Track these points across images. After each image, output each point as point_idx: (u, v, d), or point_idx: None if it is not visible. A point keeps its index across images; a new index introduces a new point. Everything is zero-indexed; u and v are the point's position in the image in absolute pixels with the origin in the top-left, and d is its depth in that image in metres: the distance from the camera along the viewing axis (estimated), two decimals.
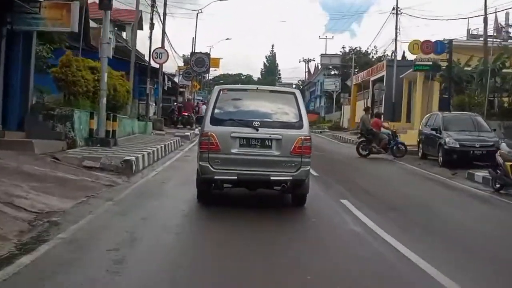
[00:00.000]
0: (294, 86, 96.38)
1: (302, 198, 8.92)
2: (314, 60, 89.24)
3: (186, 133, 26.22)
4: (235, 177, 8.23)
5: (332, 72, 64.13)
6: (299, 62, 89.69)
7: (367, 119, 20.79)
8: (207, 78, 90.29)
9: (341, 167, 17.43)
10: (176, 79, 43.72)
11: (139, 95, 27.59)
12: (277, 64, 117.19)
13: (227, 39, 71.89)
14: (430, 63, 26.23)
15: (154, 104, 28.50)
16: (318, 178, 12.47)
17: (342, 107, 51.40)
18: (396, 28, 35.13)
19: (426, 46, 26.12)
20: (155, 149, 15.63)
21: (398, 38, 35.65)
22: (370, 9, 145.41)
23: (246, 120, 8.33)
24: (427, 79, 27.59)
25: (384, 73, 36.84)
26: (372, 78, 40.15)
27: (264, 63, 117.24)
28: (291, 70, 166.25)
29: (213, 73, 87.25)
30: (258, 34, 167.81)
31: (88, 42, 24.92)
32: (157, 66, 27.70)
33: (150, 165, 14.10)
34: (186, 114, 33.58)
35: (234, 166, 8.21)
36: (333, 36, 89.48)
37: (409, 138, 22.35)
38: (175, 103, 33.59)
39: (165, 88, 29.82)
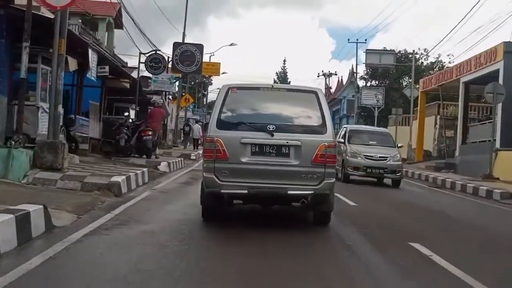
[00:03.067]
0: None
1: (325, 216, 7.76)
2: (335, 75, 74.31)
3: (115, 179, 10.35)
4: (246, 191, 7.01)
5: (368, 83, 48.53)
6: (318, 76, 74.50)
7: None
8: (206, 94, 75.10)
9: None
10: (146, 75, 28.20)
11: (14, 87, 11.81)
12: (290, 81, 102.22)
13: (231, 44, 56.44)
14: None
15: (45, 108, 12.15)
16: None
17: (398, 127, 35.44)
18: None
19: None
20: None
21: None
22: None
23: (259, 124, 7.22)
24: None
25: (499, 65, 21.11)
26: (464, 79, 24.42)
27: (275, 80, 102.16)
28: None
29: (213, 89, 72.01)
30: (266, 52, 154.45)
31: None
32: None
33: None
34: (149, 134, 17.90)
35: (244, 178, 7.04)
36: (366, 40, 70.38)
37: None
38: (126, 114, 17.88)
39: (92, 75, 13.89)
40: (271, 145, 7.09)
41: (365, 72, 47.94)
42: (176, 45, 30.32)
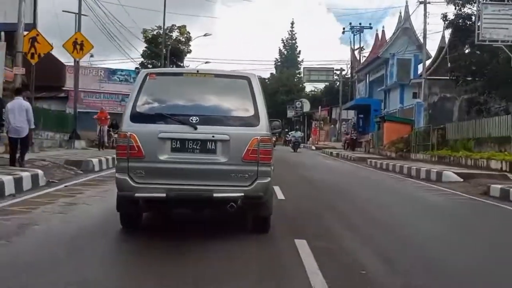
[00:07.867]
0: (336, 81, 59.18)
1: (263, 222, 6.77)
2: (370, 28, 52.21)
3: None
4: (164, 194, 6.10)
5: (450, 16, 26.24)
6: (343, 33, 52.68)
7: None
8: (182, 66, 53.56)
9: None
10: None
11: None
12: (299, 51, 79.78)
13: None
14: None
15: None
16: None
17: None
18: None
19: None
20: None
21: None
22: None
23: (180, 115, 6.31)
24: None
25: None
26: None
27: (280, 50, 79.98)
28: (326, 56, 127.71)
29: (193, 58, 49.94)
30: (269, 16, 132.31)
31: None
32: None
33: None
34: None
35: (163, 179, 6.19)
36: None
37: None
38: None
39: None
40: (194, 140, 6.24)
41: None
42: None
